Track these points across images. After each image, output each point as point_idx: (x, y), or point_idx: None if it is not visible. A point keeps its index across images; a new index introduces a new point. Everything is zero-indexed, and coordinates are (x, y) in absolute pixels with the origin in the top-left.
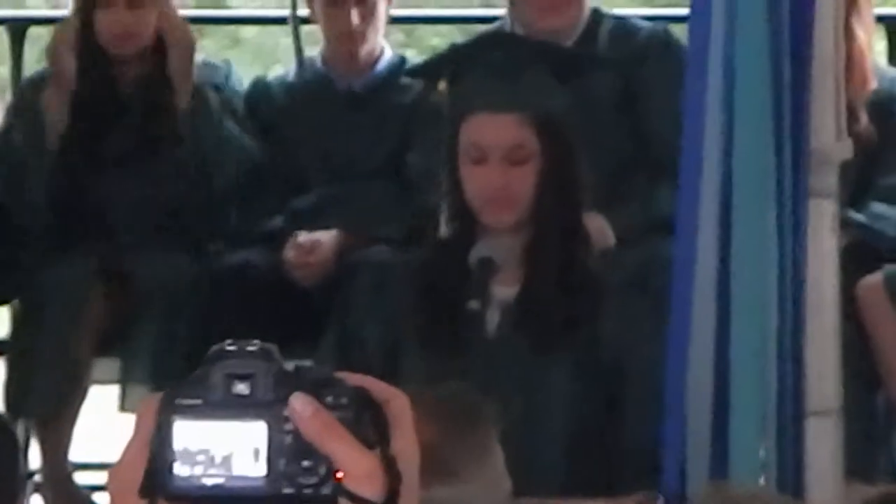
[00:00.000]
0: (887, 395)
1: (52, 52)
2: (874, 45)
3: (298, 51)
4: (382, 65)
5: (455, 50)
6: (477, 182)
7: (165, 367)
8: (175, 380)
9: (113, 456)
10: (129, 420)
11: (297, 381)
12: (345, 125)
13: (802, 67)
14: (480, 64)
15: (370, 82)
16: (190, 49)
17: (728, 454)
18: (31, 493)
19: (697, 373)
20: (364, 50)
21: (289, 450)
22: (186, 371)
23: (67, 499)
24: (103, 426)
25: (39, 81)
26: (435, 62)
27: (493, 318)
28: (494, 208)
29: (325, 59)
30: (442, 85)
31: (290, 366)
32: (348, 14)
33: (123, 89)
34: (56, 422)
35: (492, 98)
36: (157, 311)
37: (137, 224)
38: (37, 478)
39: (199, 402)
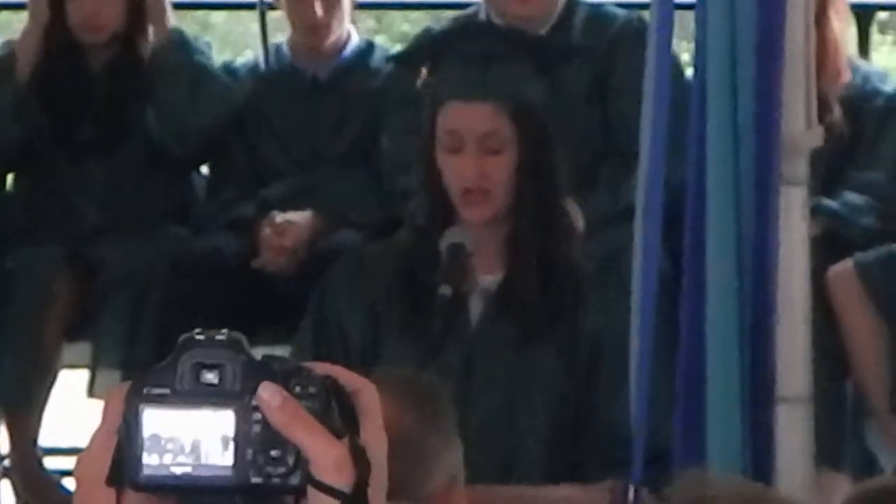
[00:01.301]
0: (856, 383)
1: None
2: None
3: (265, 39)
4: (348, 51)
5: (433, 36)
6: (453, 170)
7: (134, 352)
8: (144, 365)
9: (82, 441)
10: (98, 405)
11: (265, 371)
12: (311, 113)
13: (773, 54)
14: (458, 52)
15: (336, 70)
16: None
17: (705, 442)
18: (1, 479)
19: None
20: (329, 40)
21: (257, 439)
22: (155, 356)
23: (36, 484)
24: (73, 411)
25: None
26: (415, 49)
27: (476, 306)
28: (471, 202)
29: (291, 48)
30: (423, 72)
31: (258, 355)
32: (312, 6)
33: (92, 75)
34: (24, 407)
35: (467, 86)
36: (125, 296)
37: (105, 210)
38: (5, 462)
39: (167, 391)
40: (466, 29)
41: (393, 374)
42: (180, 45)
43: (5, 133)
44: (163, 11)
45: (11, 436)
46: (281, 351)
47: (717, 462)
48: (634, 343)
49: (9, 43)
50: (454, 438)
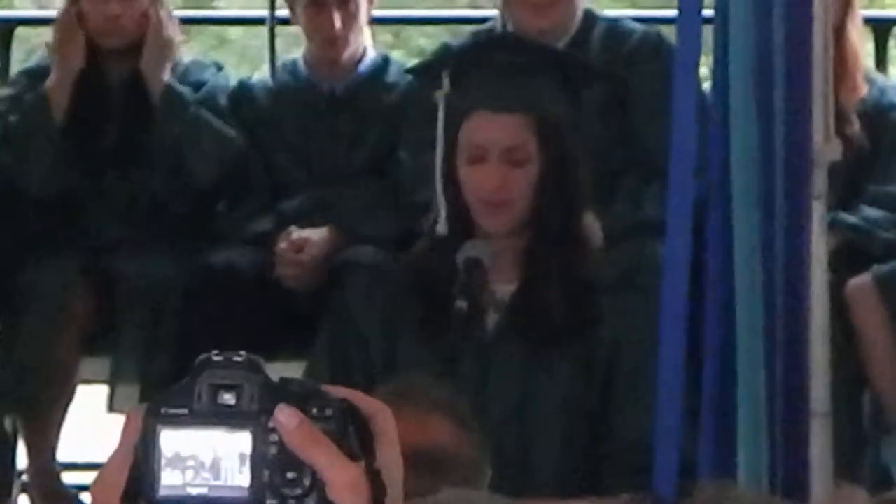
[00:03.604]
0: (873, 396)
1: (59, 34)
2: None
3: (272, 54)
4: (365, 65)
5: (456, 49)
6: (475, 181)
7: (153, 367)
8: (163, 380)
9: (101, 456)
10: (117, 420)
11: (282, 393)
12: (327, 128)
13: (800, 67)
14: (485, 64)
15: (352, 84)
16: (165, 48)
17: (734, 455)
18: (19, 494)
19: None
20: (346, 53)
21: (273, 461)
22: (174, 372)
23: (55, 499)
24: (91, 426)
25: (36, 72)
26: (436, 61)
27: (491, 318)
28: (491, 211)
29: (307, 62)
30: (444, 84)
31: (276, 377)
32: (330, 18)
33: (110, 84)
34: (42, 421)
35: (494, 97)
36: (144, 310)
37: (122, 223)
38: (24, 478)
39: (184, 411)
40: (495, 41)
41: (416, 388)
42: (175, 108)
43: (47, 183)
44: (159, 26)
45: (29, 450)
46: (297, 365)
47: (744, 476)
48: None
49: (29, 71)
50: (486, 450)
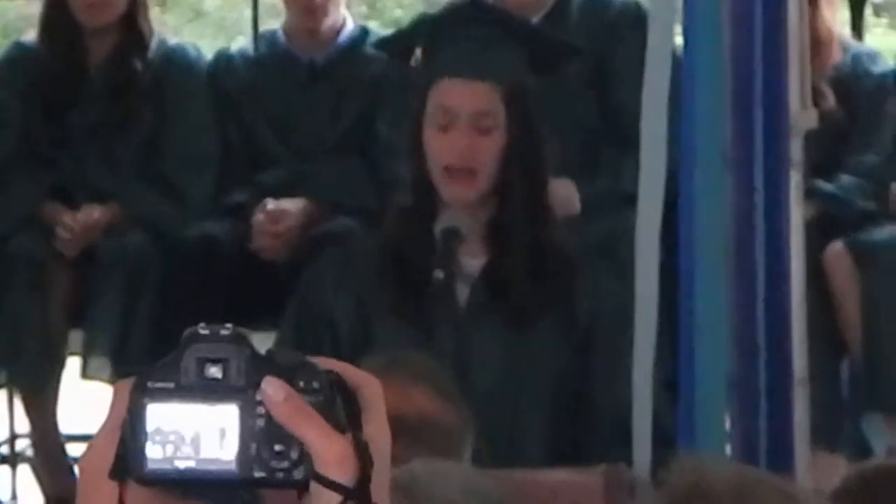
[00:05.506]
0: (851, 365)
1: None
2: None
3: (255, 23)
4: (344, 37)
5: (429, 20)
6: (441, 148)
7: (128, 338)
8: (138, 351)
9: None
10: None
11: (269, 366)
12: (307, 99)
13: (775, 35)
14: (456, 34)
15: (332, 55)
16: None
17: (693, 424)
18: (19, 463)
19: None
20: (325, 24)
21: (261, 434)
22: (148, 343)
23: (59, 469)
24: (94, 397)
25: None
26: (408, 33)
27: (462, 291)
28: (456, 180)
29: (286, 33)
30: (416, 55)
31: (262, 350)
32: None
33: (93, 62)
34: (42, 392)
35: (464, 65)
36: (118, 283)
37: (101, 197)
38: (26, 450)
39: (171, 385)
40: (465, 12)
41: (400, 359)
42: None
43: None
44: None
45: (32, 421)
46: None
47: (703, 446)
48: (638, 329)
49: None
50: (468, 420)
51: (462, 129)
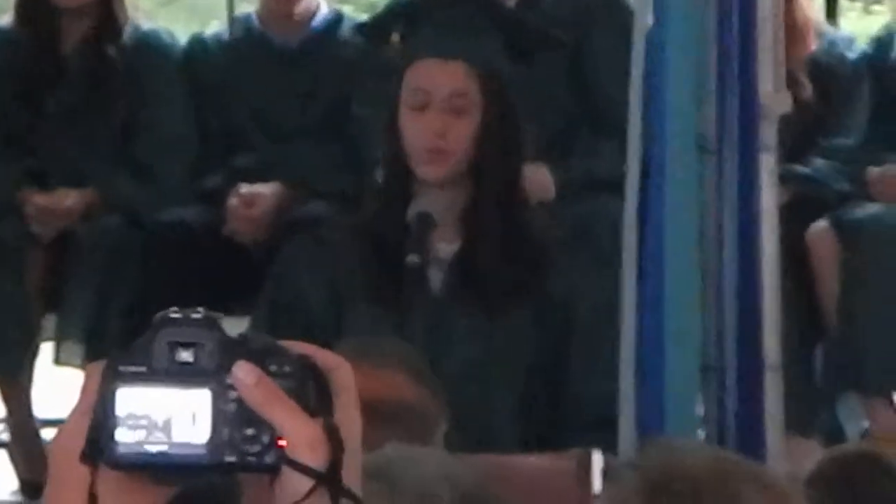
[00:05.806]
0: (825, 350)
1: None
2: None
3: (231, 8)
4: (318, 21)
5: (406, 3)
6: (416, 128)
7: (102, 323)
8: (112, 335)
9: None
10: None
11: (241, 350)
12: (282, 83)
13: (748, 18)
14: (433, 15)
15: (306, 39)
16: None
17: (663, 409)
18: None
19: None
20: (300, 7)
21: (232, 418)
22: (123, 327)
23: (35, 454)
24: (71, 381)
25: None
26: (386, 16)
27: (436, 276)
28: (429, 160)
29: (260, 17)
30: (394, 39)
31: (234, 334)
32: None
33: (68, 45)
34: (18, 375)
35: (440, 46)
36: (92, 268)
37: (75, 181)
38: (1, 434)
39: (142, 369)
40: None
41: (373, 344)
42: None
43: None
44: None
45: (8, 406)
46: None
47: (673, 430)
48: (626, 315)
49: None
50: (443, 401)
51: (436, 109)
